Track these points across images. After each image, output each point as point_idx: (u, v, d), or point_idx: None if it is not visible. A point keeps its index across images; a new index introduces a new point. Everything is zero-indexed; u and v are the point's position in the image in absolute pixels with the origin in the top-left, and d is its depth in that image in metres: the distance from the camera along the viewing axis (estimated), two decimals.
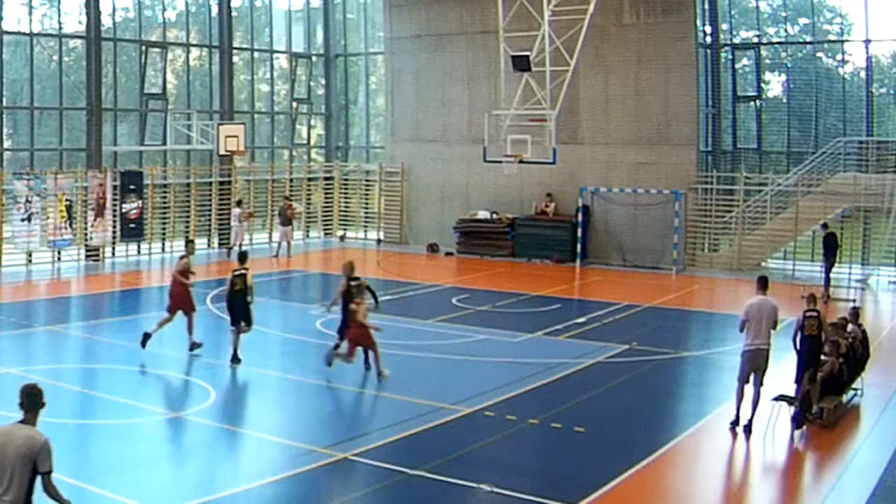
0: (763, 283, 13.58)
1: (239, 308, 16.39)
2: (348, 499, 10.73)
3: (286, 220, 30.89)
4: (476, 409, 13.85)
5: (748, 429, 13.11)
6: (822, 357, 14.00)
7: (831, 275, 24.46)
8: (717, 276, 28.24)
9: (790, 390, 13.57)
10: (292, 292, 25.29)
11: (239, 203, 31.07)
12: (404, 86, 34.46)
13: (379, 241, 34.90)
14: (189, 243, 18.09)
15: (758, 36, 31.77)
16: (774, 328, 13.38)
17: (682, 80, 29.37)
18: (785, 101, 31.54)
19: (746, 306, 13.37)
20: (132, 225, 28.71)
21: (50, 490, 7.12)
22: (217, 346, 18.52)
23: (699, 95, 29.86)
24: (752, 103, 31.73)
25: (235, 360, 16.11)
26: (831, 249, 24.54)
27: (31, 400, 7.23)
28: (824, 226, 25.54)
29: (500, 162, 26.58)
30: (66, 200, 26.97)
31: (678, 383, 16.62)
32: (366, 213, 36.48)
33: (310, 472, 11.23)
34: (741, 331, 13.44)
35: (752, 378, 13.33)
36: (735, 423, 13.26)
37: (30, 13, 27.87)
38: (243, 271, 16.52)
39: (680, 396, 15.87)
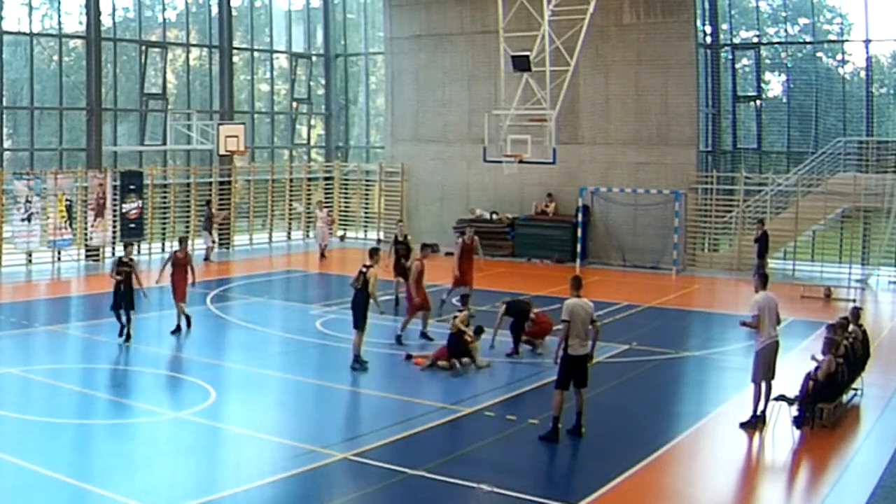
0: (764, 280, 13.67)
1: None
2: (348, 499, 10.72)
3: (209, 226, 29.73)
4: (476, 409, 13.85)
5: (763, 418, 13.19)
6: (819, 357, 14.03)
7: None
8: (717, 276, 28.24)
9: (790, 390, 13.56)
10: (292, 292, 25.28)
11: (322, 205, 31.57)
12: (404, 86, 34.46)
13: (379, 241, 34.86)
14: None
15: (758, 36, 31.77)
16: (779, 323, 13.50)
17: (682, 80, 29.36)
18: (785, 101, 31.54)
19: (758, 301, 13.28)
20: (132, 225, 28.70)
21: (597, 329, 12.73)
22: (217, 346, 18.55)
23: (699, 95, 29.86)
24: (752, 103, 31.73)
25: None
26: (765, 248, 24.77)
27: (578, 283, 12.95)
28: (761, 222, 25.59)
29: (500, 162, 26.56)
30: (66, 200, 26.97)
31: (678, 383, 16.62)
32: (366, 213, 36.48)
33: (310, 472, 11.23)
34: (755, 327, 13.27)
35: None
36: (754, 421, 13.20)
37: (30, 13, 27.88)
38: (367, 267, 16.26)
39: (680, 396, 15.86)
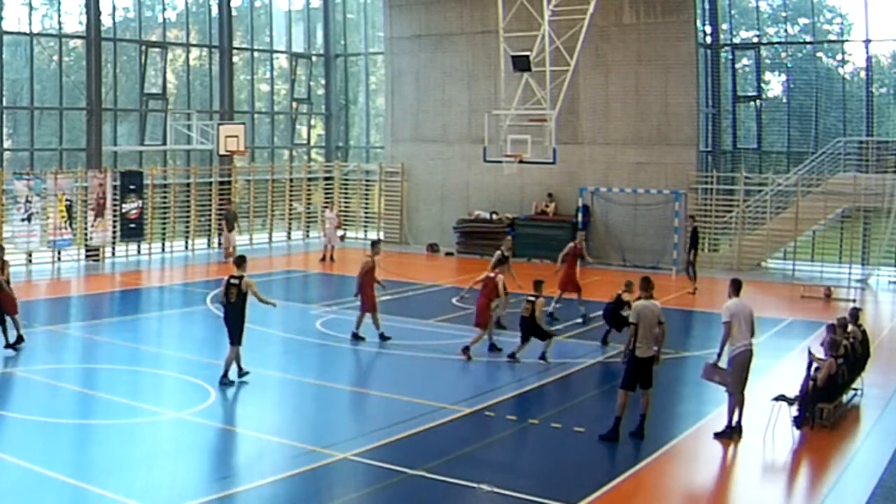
0: (738, 287, 12.99)
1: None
2: (348, 499, 10.73)
3: (231, 225, 29.65)
4: (476, 409, 13.85)
5: (739, 429, 12.87)
6: (820, 357, 14.02)
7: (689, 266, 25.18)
8: (717, 276, 28.16)
9: (790, 390, 13.56)
10: (292, 292, 25.27)
11: (330, 207, 31.31)
12: (404, 86, 34.47)
13: (379, 240, 34.82)
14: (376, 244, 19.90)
15: (758, 36, 31.77)
16: (753, 334, 12.90)
17: (682, 80, 29.37)
18: (785, 101, 31.55)
19: (729, 308, 12.68)
20: (132, 225, 28.71)
21: (664, 331, 12.44)
22: (217, 346, 18.53)
23: (699, 95, 29.86)
24: (752, 103, 31.74)
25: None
26: (696, 243, 25.22)
27: (647, 285, 12.68)
28: (692, 218, 25.95)
29: (500, 162, 26.57)
30: (66, 200, 26.97)
31: (678, 383, 16.60)
32: (366, 213, 36.48)
33: (310, 472, 11.23)
34: (727, 332, 12.66)
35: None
36: (729, 431, 12.83)
37: (30, 13, 27.88)
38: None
39: (680, 396, 15.84)
